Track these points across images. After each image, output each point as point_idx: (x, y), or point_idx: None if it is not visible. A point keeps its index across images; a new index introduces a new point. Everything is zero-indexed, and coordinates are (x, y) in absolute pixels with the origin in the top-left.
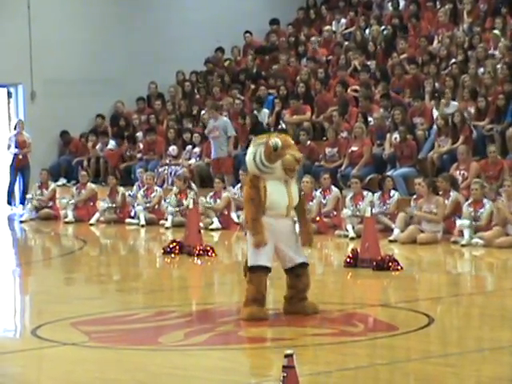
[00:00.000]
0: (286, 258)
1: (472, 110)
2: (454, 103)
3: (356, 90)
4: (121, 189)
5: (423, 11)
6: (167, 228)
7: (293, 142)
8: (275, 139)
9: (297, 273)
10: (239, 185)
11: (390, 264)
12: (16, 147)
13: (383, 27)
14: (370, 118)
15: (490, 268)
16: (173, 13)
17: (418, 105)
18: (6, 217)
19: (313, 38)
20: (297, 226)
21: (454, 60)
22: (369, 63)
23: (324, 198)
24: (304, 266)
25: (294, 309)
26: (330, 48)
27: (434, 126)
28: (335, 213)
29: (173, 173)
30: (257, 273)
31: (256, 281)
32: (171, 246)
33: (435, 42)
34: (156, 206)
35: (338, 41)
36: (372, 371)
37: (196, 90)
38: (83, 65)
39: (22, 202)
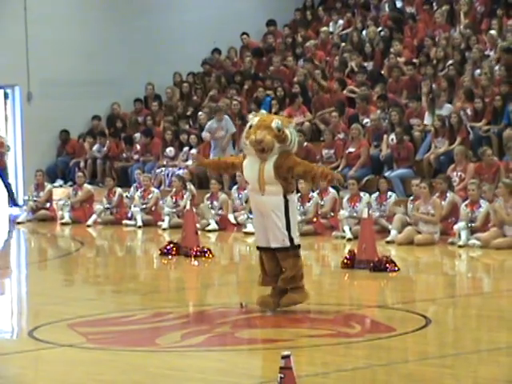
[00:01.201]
0: (258, 236)
1: (468, 111)
2: (448, 105)
3: (353, 91)
4: (118, 190)
5: (420, 12)
6: (164, 229)
7: (275, 123)
8: (255, 118)
9: (272, 255)
10: (236, 186)
11: (387, 265)
12: None
13: (380, 28)
14: (366, 120)
15: (487, 269)
16: (170, 14)
17: (414, 106)
18: None
19: (307, 44)
20: (278, 206)
21: (450, 61)
22: (366, 64)
23: (321, 199)
24: (280, 250)
25: (273, 303)
26: (327, 49)
27: (428, 128)
28: (332, 214)
29: (170, 174)
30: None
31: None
32: (168, 247)
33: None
34: (153, 208)
35: (335, 42)
36: (369, 372)
37: (193, 92)
38: (80, 66)
39: (12, 203)
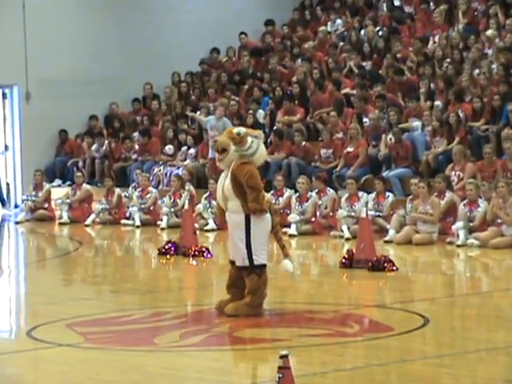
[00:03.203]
0: (230, 251)
1: (460, 112)
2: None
3: (348, 93)
4: (117, 190)
5: (418, 12)
6: (162, 229)
7: (237, 129)
8: None
9: (237, 269)
10: None
11: (386, 265)
12: None
13: (378, 28)
14: (365, 119)
15: (486, 268)
16: (168, 14)
17: (413, 106)
18: None
19: (306, 45)
20: (239, 224)
21: (448, 60)
22: (364, 64)
23: (319, 198)
24: (242, 268)
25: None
26: (325, 49)
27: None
28: (331, 213)
29: (168, 174)
30: None
31: None
32: (166, 246)
33: (430, 42)
34: (151, 207)
35: (334, 41)
36: (367, 372)
37: (191, 91)
38: (78, 66)
39: (4, 203)
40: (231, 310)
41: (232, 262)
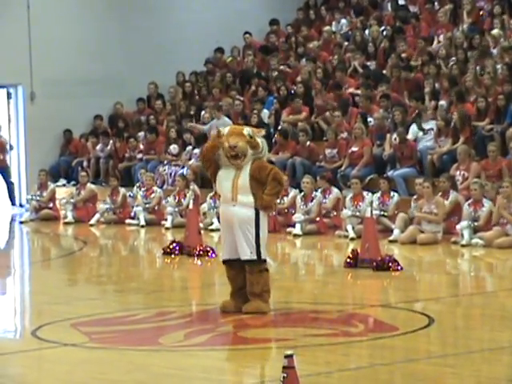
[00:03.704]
0: (226, 249)
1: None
2: (432, 121)
3: (353, 93)
4: (122, 190)
5: (423, 12)
6: (167, 228)
7: (247, 131)
8: (225, 128)
9: (239, 268)
10: None
11: (390, 264)
12: None
13: (383, 28)
14: (370, 119)
15: (490, 268)
16: (172, 13)
17: (417, 105)
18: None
19: (311, 45)
20: (248, 218)
21: (453, 59)
22: (369, 64)
23: (324, 197)
24: (247, 263)
25: (234, 306)
26: (330, 49)
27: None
28: (335, 213)
29: (173, 173)
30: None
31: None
32: (171, 246)
33: (435, 42)
34: (156, 207)
35: (338, 41)
36: (372, 372)
37: (196, 91)
38: (83, 65)
39: (13, 202)
40: (252, 308)
41: (228, 263)
